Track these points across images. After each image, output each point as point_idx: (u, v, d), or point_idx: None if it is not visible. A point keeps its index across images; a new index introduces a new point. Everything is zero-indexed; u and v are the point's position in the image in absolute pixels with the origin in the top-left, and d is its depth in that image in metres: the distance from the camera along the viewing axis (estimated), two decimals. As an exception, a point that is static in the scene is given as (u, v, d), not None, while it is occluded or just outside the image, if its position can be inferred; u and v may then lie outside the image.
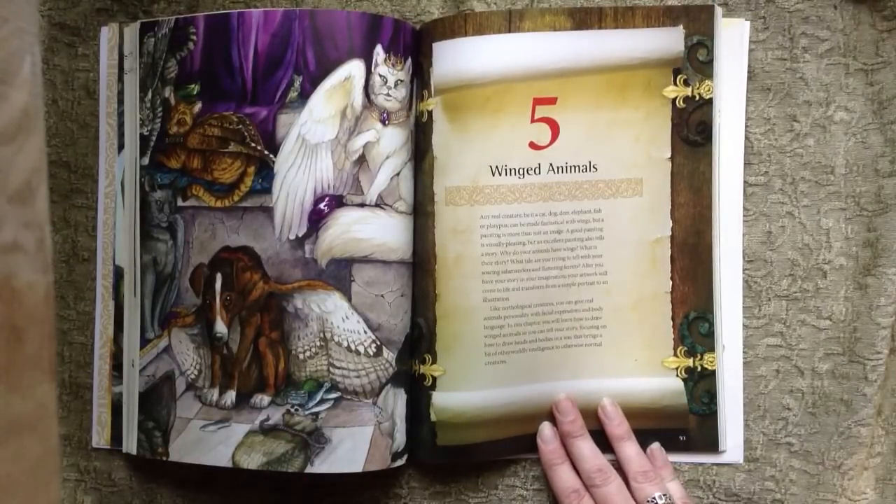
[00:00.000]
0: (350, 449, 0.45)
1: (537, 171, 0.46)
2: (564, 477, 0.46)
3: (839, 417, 0.47)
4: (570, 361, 0.47)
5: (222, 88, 0.46)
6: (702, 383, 0.47)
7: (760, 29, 0.48)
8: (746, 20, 0.48)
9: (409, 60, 0.46)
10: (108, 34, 0.50)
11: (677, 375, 0.48)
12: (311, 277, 0.45)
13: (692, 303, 0.47)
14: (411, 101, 0.47)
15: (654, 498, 0.44)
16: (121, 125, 0.50)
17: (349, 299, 0.45)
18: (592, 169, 0.47)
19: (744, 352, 0.48)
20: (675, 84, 0.47)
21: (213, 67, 0.46)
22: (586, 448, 0.46)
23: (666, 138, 0.47)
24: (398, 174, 0.46)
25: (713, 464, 0.48)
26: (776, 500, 0.48)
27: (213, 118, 0.46)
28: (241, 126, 0.46)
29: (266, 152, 0.45)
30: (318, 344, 0.45)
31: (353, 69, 0.45)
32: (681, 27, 0.46)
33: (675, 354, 0.47)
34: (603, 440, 0.47)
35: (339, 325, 0.45)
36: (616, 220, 0.47)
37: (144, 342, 0.48)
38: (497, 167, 0.46)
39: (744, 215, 0.48)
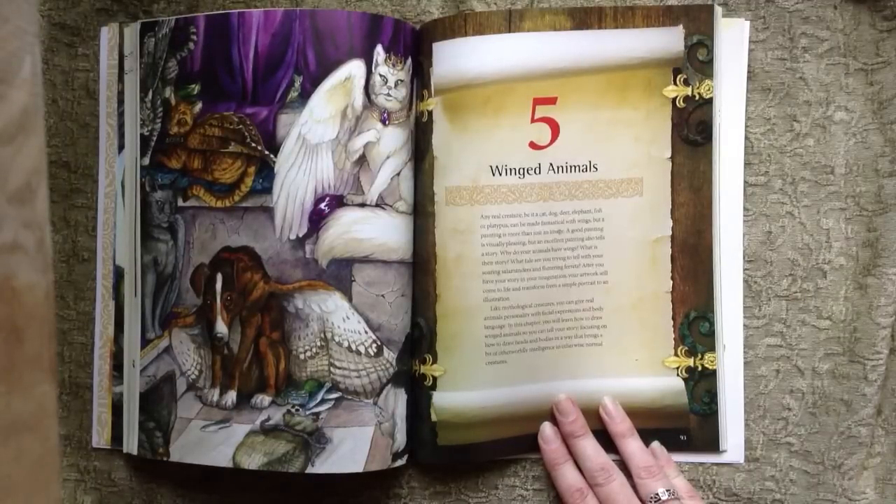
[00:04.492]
0: (351, 449, 0.45)
1: (537, 170, 0.46)
2: (568, 476, 0.46)
3: (839, 417, 0.47)
4: (570, 361, 0.47)
5: (222, 88, 0.46)
6: (702, 383, 0.47)
7: (760, 29, 0.48)
8: (746, 20, 0.48)
9: (410, 60, 0.46)
10: (108, 34, 0.50)
11: (678, 375, 0.48)
12: (311, 277, 0.45)
13: (692, 302, 0.47)
14: (411, 101, 0.47)
15: (657, 493, 0.44)
16: (121, 125, 0.50)
17: (350, 299, 0.45)
18: (592, 169, 0.47)
19: (744, 352, 0.48)
20: (675, 84, 0.47)
21: (213, 67, 0.46)
22: (589, 447, 0.46)
23: (666, 138, 0.47)
24: (398, 174, 0.46)
25: (713, 463, 0.48)
26: (776, 500, 0.48)
27: (214, 118, 0.46)
28: (241, 126, 0.46)
29: (266, 152, 0.45)
30: (318, 344, 0.45)
31: (354, 69, 0.45)
32: (681, 27, 0.46)
33: (676, 354, 0.47)
34: (605, 439, 0.47)
35: (340, 325, 0.45)
36: (616, 219, 0.47)
37: (145, 342, 0.48)
38: (497, 167, 0.46)
39: (744, 215, 0.48)
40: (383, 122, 0.45)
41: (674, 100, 0.47)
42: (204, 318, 0.47)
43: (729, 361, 0.48)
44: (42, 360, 0.26)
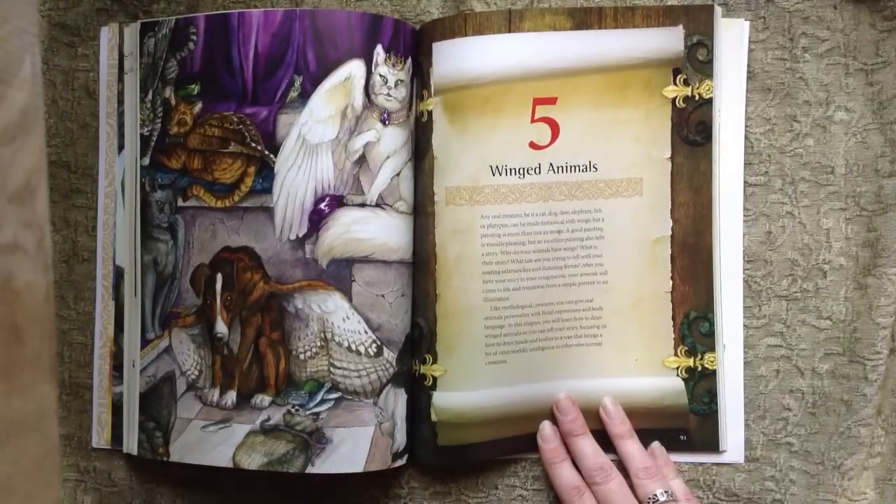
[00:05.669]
0: (351, 449, 0.45)
1: (537, 170, 0.46)
2: (565, 474, 0.46)
3: (839, 417, 0.47)
4: (570, 361, 0.47)
5: (223, 88, 0.46)
6: (702, 383, 0.47)
7: (760, 29, 0.48)
8: (746, 20, 0.48)
9: (410, 60, 0.46)
10: (108, 34, 0.50)
11: (678, 375, 0.48)
12: (311, 277, 0.45)
13: (692, 302, 0.47)
14: (411, 101, 0.47)
15: (655, 495, 0.44)
16: (121, 125, 0.50)
17: (350, 299, 0.45)
18: (592, 169, 0.47)
19: (744, 352, 0.48)
20: (675, 84, 0.47)
21: (213, 67, 0.46)
22: (587, 446, 0.46)
23: (666, 138, 0.47)
24: (398, 174, 0.46)
25: (713, 464, 0.48)
26: (776, 500, 0.48)
27: (214, 118, 0.46)
28: (241, 126, 0.46)
29: (266, 152, 0.45)
30: (318, 344, 0.45)
31: (354, 69, 0.45)
32: (680, 27, 0.46)
33: (676, 354, 0.47)
34: (604, 440, 0.47)
35: (340, 325, 0.45)
36: (616, 219, 0.47)
37: (145, 342, 0.48)
38: (497, 167, 0.46)
39: (744, 215, 0.48)
40: (383, 122, 0.45)
41: (674, 100, 0.47)
42: (204, 318, 0.47)
43: (729, 361, 0.48)
44: (42, 360, 0.26)
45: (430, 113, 0.47)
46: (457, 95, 0.46)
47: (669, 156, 0.47)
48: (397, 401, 0.46)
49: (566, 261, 0.47)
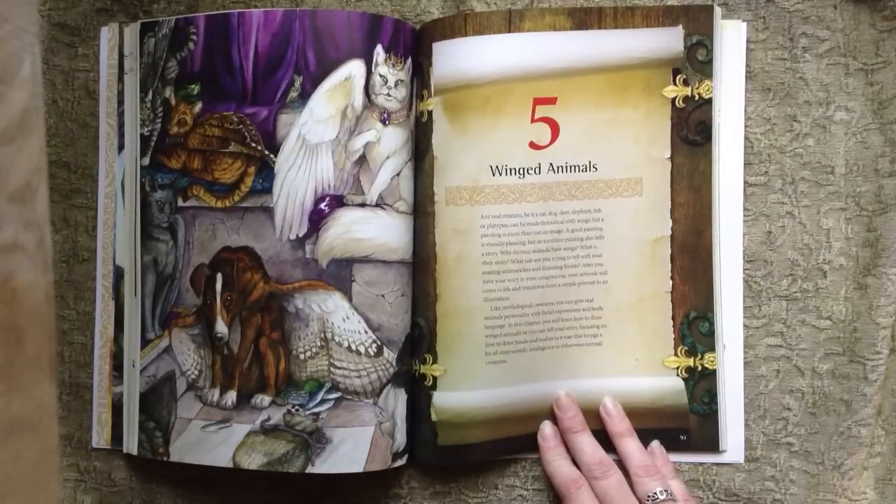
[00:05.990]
0: (351, 449, 0.45)
1: (537, 170, 0.46)
2: (564, 469, 0.46)
3: (839, 417, 0.47)
4: (570, 361, 0.47)
5: (223, 88, 0.46)
6: (702, 383, 0.47)
7: (760, 29, 0.48)
8: (745, 21, 0.48)
9: (410, 60, 0.46)
10: (108, 34, 0.50)
11: (678, 375, 0.48)
12: (311, 277, 0.45)
13: (692, 302, 0.47)
14: (411, 101, 0.47)
15: (654, 493, 0.43)
16: (121, 125, 0.50)
17: (350, 299, 0.45)
18: (592, 169, 0.47)
19: (744, 352, 0.48)
20: (675, 84, 0.47)
21: (213, 67, 0.46)
22: (587, 443, 0.46)
23: (666, 138, 0.47)
24: (398, 174, 0.46)
25: (713, 463, 0.48)
26: (776, 500, 0.48)
27: (214, 118, 0.46)
28: (241, 126, 0.46)
29: (266, 152, 0.45)
30: (318, 344, 0.45)
31: (354, 69, 0.45)
32: (680, 27, 0.46)
33: (676, 354, 0.47)
34: (604, 441, 0.47)
35: (340, 325, 0.45)
36: (616, 219, 0.47)
37: (145, 342, 0.48)
38: (497, 167, 0.46)
39: (744, 215, 0.48)
40: (383, 122, 0.45)
41: (673, 100, 0.47)
42: (204, 318, 0.47)
43: (729, 361, 0.48)
44: (42, 360, 0.26)
45: (430, 113, 0.47)
46: (457, 95, 0.46)
47: (669, 156, 0.47)
48: (397, 401, 0.46)
49: (566, 261, 0.47)
